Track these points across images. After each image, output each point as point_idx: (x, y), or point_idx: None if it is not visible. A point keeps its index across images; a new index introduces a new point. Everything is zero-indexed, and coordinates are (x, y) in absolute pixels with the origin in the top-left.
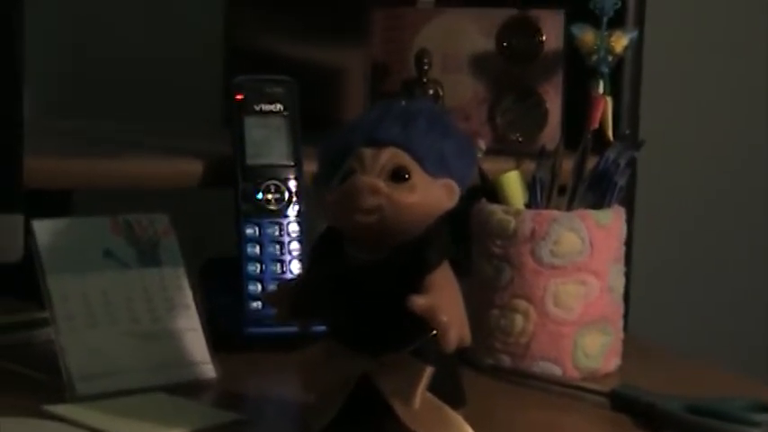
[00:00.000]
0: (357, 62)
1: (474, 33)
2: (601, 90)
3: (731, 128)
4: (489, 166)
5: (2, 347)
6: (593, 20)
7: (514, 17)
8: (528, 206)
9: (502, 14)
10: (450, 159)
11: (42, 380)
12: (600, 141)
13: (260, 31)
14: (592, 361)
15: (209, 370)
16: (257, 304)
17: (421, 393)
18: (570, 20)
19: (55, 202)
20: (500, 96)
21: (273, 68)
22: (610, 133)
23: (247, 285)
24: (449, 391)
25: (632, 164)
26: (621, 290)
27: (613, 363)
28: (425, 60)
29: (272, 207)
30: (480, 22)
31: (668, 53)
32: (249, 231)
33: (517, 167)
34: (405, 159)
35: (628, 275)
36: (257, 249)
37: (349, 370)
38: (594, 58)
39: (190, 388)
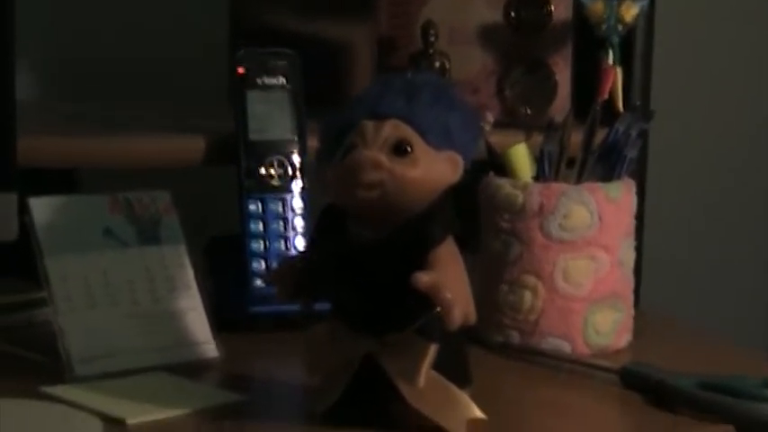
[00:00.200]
0: (364, 36)
1: (481, 5)
2: (611, 61)
3: (744, 97)
4: (498, 139)
5: (0, 328)
6: None
7: None
8: (536, 179)
9: None
10: (455, 132)
11: (41, 361)
12: (610, 113)
13: (266, 4)
14: (602, 338)
15: (210, 350)
16: (261, 282)
17: (426, 372)
18: None
19: (59, 182)
20: (509, 68)
21: (279, 43)
22: (620, 104)
23: (251, 263)
24: (454, 370)
25: (643, 135)
26: (632, 265)
27: (624, 339)
28: (431, 32)
29: (275, 183)
30: None
31: (680, 21)
32: (252, 208)
33: (526, 140)
34: (407, 132)
35: (639, 250)
36: (260, 226)
37: (353, 350)
38: (604, 27)
39: (191, 368)
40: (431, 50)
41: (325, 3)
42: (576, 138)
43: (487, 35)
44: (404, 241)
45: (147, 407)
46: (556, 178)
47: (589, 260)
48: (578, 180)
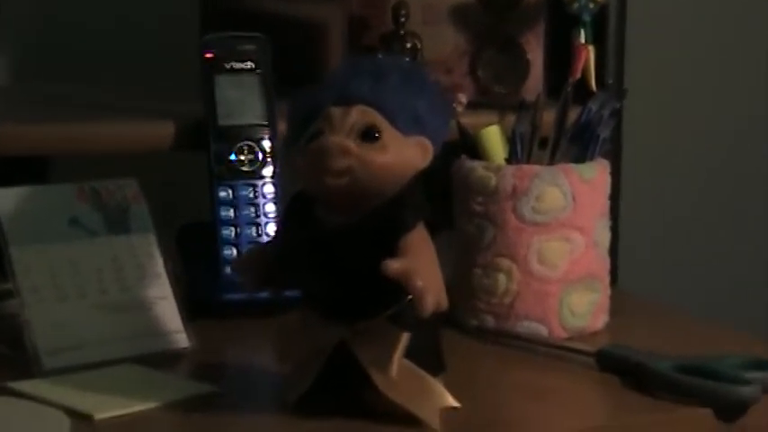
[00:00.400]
0: (336, 16)
1: None
2: (583, 39)
3: (719, 75)
4: (471, 120)
5: None
6: None
7: None
8: (508, 161)
9: None
10: (424, 117)
11: (7, 354)
12: (584, 92)
13: None
14: (579, 319)
15: (181, 339)
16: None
17: (398, 360)
18: None
19: (31, 172)
20: (481, 48)
21: (251, 25)
22: (593, 83)
23: (222, 250)
24: (427, 358)
25: (616, 115)
26: (607, 245)
27: (601, 320)
28: (403, 12)
29: (245, 168)
30: None
31: None
32: (223, 194)
33: (499, 121)
34: (375, 117)
35: (615, 230)
36: (231, 213)
37: (324, 338)
38: (576, 6)
39: (162, 359)
40: (402, 31)
41: None
42: (549, 117)
43: (459, 15)
44: (374, 228)
45: (116, 401)
46: (528, 159)
47: (564, 242)
48: (551, 161)
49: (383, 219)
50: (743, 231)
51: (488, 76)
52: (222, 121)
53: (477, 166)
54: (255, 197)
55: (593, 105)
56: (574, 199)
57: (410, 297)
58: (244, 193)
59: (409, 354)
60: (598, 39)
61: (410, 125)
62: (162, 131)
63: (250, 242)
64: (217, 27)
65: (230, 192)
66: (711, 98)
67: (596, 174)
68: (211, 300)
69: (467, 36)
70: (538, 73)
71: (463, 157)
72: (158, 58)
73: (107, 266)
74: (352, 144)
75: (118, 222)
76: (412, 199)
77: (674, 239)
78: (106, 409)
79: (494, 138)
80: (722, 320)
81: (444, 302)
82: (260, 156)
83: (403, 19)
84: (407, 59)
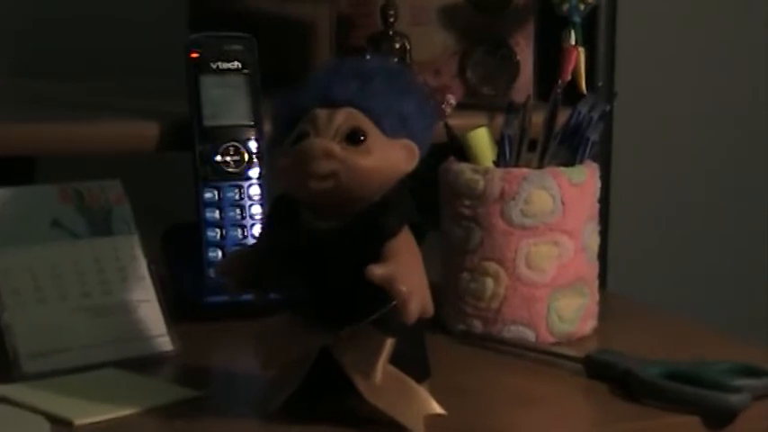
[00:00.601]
0: (324, 16)
1: None
2: (573, 41)
3: (709, 77)
4: (460, 122)
5: None
6: None
7: None
8: (497, 164)
9: None
10: (410, 119)
11: None
12: (574, 94)
13: None
14: (567, 324)
15: (165, 343)
16: None
17: (382, 366)
18: None
19: (17, 172)
20: (470, 49)
21: (239, 25)
22: (583, 85)
23: (207, 252)
24: (412, 364)
25: (606, 117)
26: (596, 249)
27: (590, 325)
28: (391, 12)
29: (231, 170)
30: None
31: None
32: (208, 196)
33: (488, 123)
34: (361, 120)
35: (604, 233)
36: (217, 214)
37: (308, 344)
38: (566, 6)
39: (145, 363)
40: (391, 31)
41: None
42: (538, 120)
43: (448, 15)
44: (358, 232)
45: (97, 406)
46: (517, 162)
47: (552, 246)
48: (540, 164)
49: (368, 223)
50: (732, 235)
51: (477, 78)
52: (208, 122)
53: (465, 169)
54: (241, 198)
55: (582, 108)
56: (563, 202)
57: (394, 303)
58: (229, 194)
59: (394, 360)
60: (588, 40)
61: (396, 127)
62: (147, 132)
63: (235, 244)
64: (203, 27)
65: (216, 193)
66: (701, 101)
67: (585, 177)
68: (195, 302)
69: (455, 37)
70: (527, 75)
71: (451, 159)
72: (145, 58)
73: (89, 269)
74: (336, 147)
75: (101, 224)
76: (397, 203)
77: (663, 243)
78: (87, 414)
79: (482, 140)
80: (711, 325)
81: (430, 308)
82: (246, 157)
83: (391, 19)
84: (393, 61)
